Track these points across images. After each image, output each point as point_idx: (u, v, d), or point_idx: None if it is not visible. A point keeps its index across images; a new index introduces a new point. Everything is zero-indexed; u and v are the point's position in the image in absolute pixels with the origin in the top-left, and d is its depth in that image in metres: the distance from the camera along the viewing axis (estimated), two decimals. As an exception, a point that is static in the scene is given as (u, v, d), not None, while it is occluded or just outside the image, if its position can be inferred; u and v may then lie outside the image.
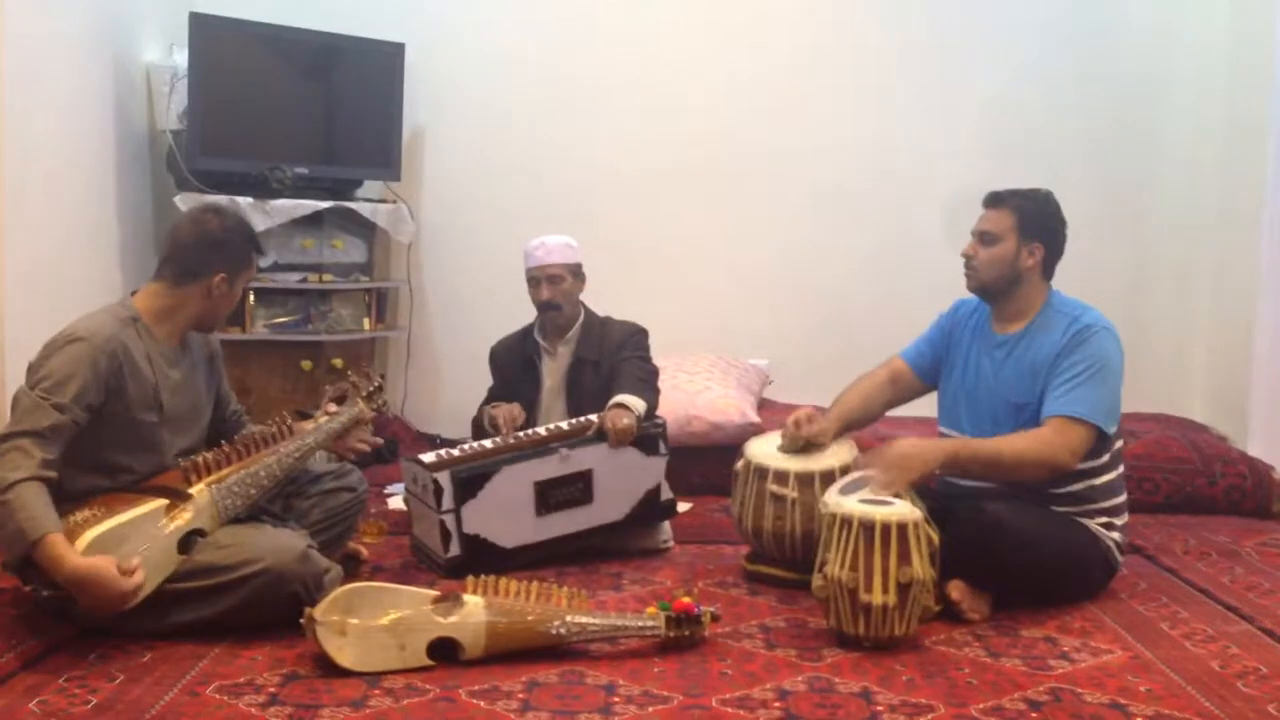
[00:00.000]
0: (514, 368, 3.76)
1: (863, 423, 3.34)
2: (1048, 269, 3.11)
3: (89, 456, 2.58)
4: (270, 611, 2.59)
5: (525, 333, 3.81)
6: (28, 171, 3.47)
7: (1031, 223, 3.06)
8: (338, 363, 4.41)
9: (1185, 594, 3.10)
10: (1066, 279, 3.16)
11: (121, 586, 2.39)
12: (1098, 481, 3.00)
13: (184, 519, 2.61)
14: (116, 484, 2.63)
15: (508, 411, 3.50)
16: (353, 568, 3.08)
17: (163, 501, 2.60)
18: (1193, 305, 4.90)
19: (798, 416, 3.19)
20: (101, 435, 2.59)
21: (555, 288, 3.64)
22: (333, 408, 3.05)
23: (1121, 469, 3.08)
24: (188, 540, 2.60)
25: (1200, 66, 4.81)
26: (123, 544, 2.46)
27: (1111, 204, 4.83)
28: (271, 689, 2.34)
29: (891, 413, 3.41)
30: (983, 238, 3.09)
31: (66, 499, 2.48)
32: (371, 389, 3.17)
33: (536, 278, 3.66)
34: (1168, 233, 4.90)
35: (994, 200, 3.12)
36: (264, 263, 4.24)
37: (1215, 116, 4.79)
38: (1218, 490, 4.06)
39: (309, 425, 2.96)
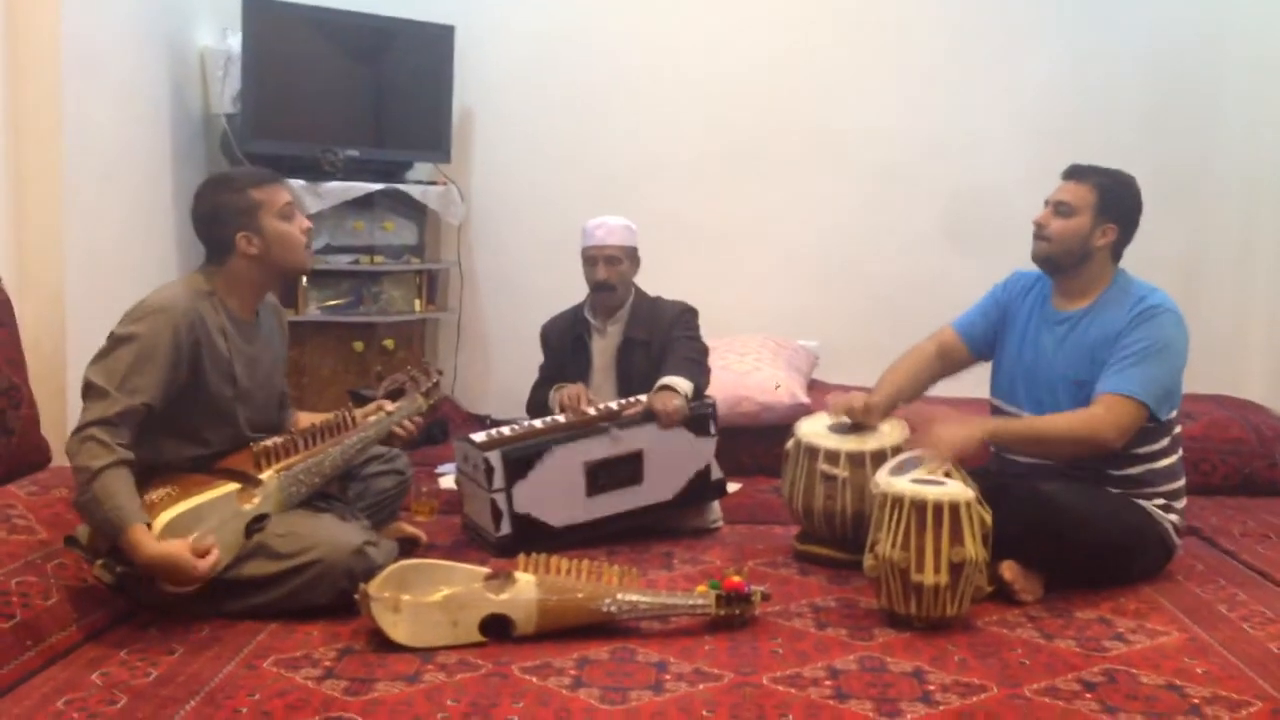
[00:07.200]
0: (564, 346, 3.77)
1: (911, 397, 3.29)
2: (1116, 251, 3.06)
3: (168, 424, 2.61)
4: (321, 602, 2.62)
5: (576, 311, 3.81)
6: (87, 156, 3.52)
7: (1111, 203, 3.00)
8: (389, 344, 4.44)
9: (1243, 576, 3.07)
10: (1123, 257, 3.11)
11: (196, 570, 2.44)
12: (1157, 466, 2.97)
13: (253, 503, 2.65)
14: (193, 453, 2.67)
15: (571, 395, 3.49)
16: (409, 550, 3.11)
17: (235, 485, 2.64)
18: (1251, 284, 4.81)
19: (853, 405, 3.16)
20: (180, 405, 2.61)
21: (611, 269, 3.64)
22: (388, 404, 3.07)
23: (1181, 453, 3.04)
24: (253, 525, 2.65)
25: (1259, 39, 4.70)
26: (197, 525, 2.51)
27: (1167, 181, 4.67)
28: (327, 663, 2.37)
29: (946, 393, 3.38)
30: (1058, 208, 3.03)
31: (146, 468, 2.53)
32: (430, 385, 3.20)
33: (594, 257, 3.65)
34: (1225, 210, 4.81)
35: (1076, 173, 3.06)
36: (315, 245, 4.30)
37: (1274, 89, 4.69)
38: (1277, 472, 4.01)
39: (370, 418, 2.99)
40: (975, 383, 3.37)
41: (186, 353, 2.59)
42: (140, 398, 2.50)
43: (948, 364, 3.29)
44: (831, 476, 3.06)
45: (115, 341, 2.55)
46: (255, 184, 2.76)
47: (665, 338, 3.60)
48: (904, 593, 2.61)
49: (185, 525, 2.49)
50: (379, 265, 4.47)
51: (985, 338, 3.25)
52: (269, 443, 2.76)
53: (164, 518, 2.47)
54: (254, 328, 2.83)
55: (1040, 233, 3.05)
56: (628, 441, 3.30)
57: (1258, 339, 4.80)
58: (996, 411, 3.19)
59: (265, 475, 2.70)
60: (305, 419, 3.04)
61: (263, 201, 2.74)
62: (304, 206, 4.19)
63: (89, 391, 2.51)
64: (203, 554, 2.45)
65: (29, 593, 2.41)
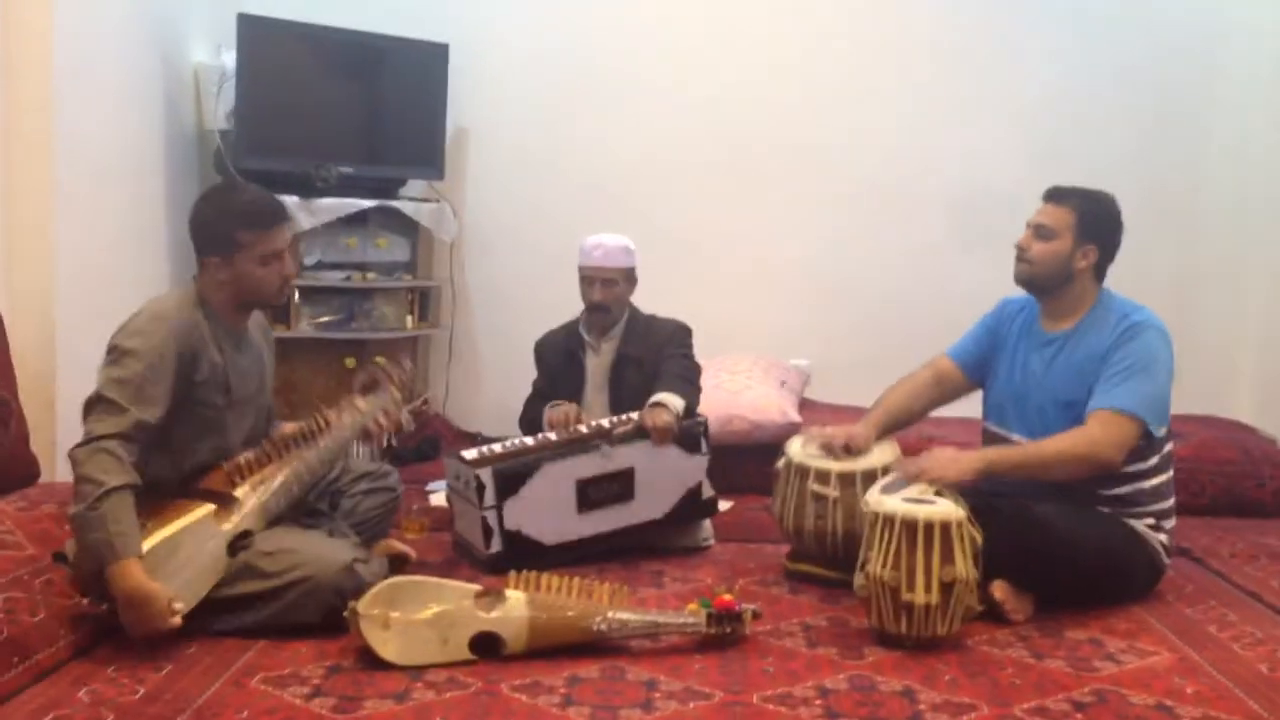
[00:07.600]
0: (558, 361, 3.76)
1: (905, 424, 3.31)
2: (1099, 271, 3.08)
3: (158, 438, 2.57)
4: (310, 620, 2.60)
5: (570, 327, 3.81)
6: (79, 170, 3.52)
7: (1091, 224, 3.02)
8: (380, 360, 4.42)
9: (1233, 597, 3.07)
10: (1112, 277, 3.13)
11: (165, 622, 2.41)
12: (1146, 485, 2.97)
13: (233, 522, 2.63)
14: (179, 469, 2.64)
15: (563, 415, 3.49)
16: (399, 567, 3.10)
17: (211, 507, 2.61)
18: (1242, 304, 4.82)
19: (833, 441, 3.14)
20: (171, 417, 2.57)
21: (607, 290, 3.64)
22: (359, 401, 3.03)
23: (1171, 472, 3.04)
24: (237, 543, 2.63)
25: (1249, 55, 4.73)
26: (177, 551, 2.49)
27: (1158, 200, 4.71)
28: (316, 681, 2.36)
29: (936, 413, 3.38)
30: (1039, 231, 3.05)
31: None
32: (402, 375, 3.16)
33: (590, 278, 3.66)
34: (1216, 229, 4.83)
35: (1056, 196, 3.08)
36: (308, 261, 4.31)
37: (1265, 106, 4.72)
38: (1266, 493, 4.01)
39: (345, 417, 2.95)
40: (968, 405, 3.37)
41: (186, 363, 2.58)
42: (153, 410, 2.48)
43: (944, 391, 3.30)
44: (822, 496, 3.06)
45: (122, 353, 2.51)
46: (249, 225, 2.68)
47: (659, 355, 3.60)
48: (894, 612, 2.61)
49: (164, 554, 2.46)
50: (371, 282, 4.47)
51: (979, 363, 3.26)
52: (241, 459, 2.71)
53: (142, 548, 2.43)
54: (244, 337, 2.82)
55: (1022, 255, 3.07)
56: (619, 458, 3.30)
57: (1247, 359, 4.81)
58: (988, 435, 3.20)
59: (241, 492, 2.67)
60: (290, 429, 3.00)
61: (247, 244, 2.68)
62: (299, 225, 4.17)
63: (99, 404, 2.47)
64: (174, 612, 2.42)
65: (16, 609, 2.40)
